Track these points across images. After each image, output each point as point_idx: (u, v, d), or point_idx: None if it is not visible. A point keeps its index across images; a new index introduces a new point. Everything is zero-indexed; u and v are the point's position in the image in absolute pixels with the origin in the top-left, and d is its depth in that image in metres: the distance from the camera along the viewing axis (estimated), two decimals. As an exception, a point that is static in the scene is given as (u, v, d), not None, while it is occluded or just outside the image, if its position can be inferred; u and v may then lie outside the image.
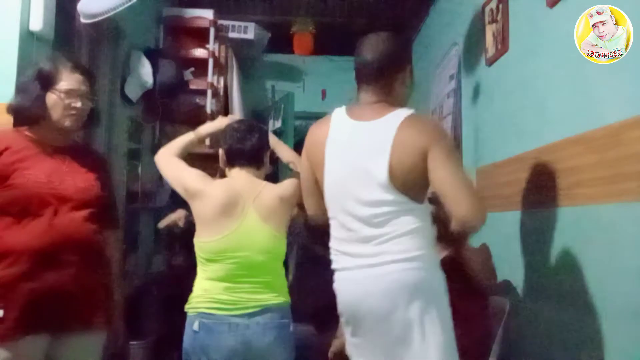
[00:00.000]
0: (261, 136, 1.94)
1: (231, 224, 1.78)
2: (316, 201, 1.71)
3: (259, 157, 1.92)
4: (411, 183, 1.48)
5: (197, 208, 1.84)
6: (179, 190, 1.94)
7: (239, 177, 1.89)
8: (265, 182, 1.90)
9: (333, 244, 1.62)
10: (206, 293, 1.78)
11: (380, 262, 1.48)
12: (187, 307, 1.81)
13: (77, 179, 1.69)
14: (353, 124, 1.58)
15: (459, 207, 1.42)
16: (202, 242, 1.81)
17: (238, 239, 1.78)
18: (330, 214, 1.62)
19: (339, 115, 1.62)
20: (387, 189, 1.47)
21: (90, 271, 1.66)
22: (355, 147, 1.54)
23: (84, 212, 1.66)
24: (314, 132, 1.68)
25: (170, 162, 2.04)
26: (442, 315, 1.48)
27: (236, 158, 1.91)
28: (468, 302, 1.98)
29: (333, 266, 1.61)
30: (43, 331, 1.57)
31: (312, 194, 1.72)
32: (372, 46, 1.58)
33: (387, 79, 1.58)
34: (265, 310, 1.76)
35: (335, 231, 1.61)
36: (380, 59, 1.56)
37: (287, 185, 1.90)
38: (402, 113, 1.53)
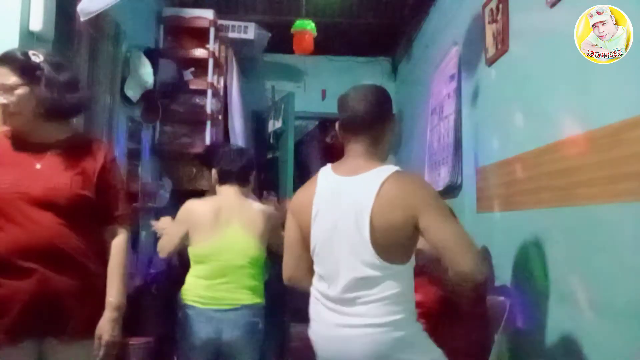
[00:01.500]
0: (249, 159, 2.31)
1: (216, 232, 2.14)
2: (296, 263, 1.68)
3: (245, 176, 2.27)
4: (394, 244, 1.47)
5: (189, 224, 2.18)
6: (180, 230, 2.22)
7: (228, 193, 2.24)
8: (250, 200, 2.27)
9: (313, 292, 1.61)
10: (191, 288, 2.14)
11: (352, 324, 1.48)
12: (179, 297, 2.17)
13: (49, 179, 1.57)
14: (338, 179, 1.57)
15: (463, 266, 1.40)
16: (192, 247, 2.17)
17: (221, 245, 2.13)
18: (315, 267, 1.60)
19: (325, 172, 1.62)
20: (368, 251, 1.45)
21: (66, 276, 1.55)
22: (338, 203, 1.52)
23: (55, 214, 1.55)
24: (301, 192, 1.68)
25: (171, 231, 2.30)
26: None
27: (226, 177, 2.26)
28: (466, 303, 1.98)
29: (310, 311, 1.62)
30: (25, 340, 1.52)
31: (294, 254, 1.68)
32: (359, 100, 1.58)
33: (376, 131, 1.58)
34: (238, 308, 2.10)
35: (317, 282, 1.60)
36: (369, 112, 1.57)
37: (269, 205, 2.27)
38: (388, 169, 1.51)
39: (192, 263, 2.19)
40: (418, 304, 1.88)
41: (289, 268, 1.70)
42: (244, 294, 2.12)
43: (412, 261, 1.54)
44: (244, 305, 2.11)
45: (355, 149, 1.58)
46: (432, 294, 1.98)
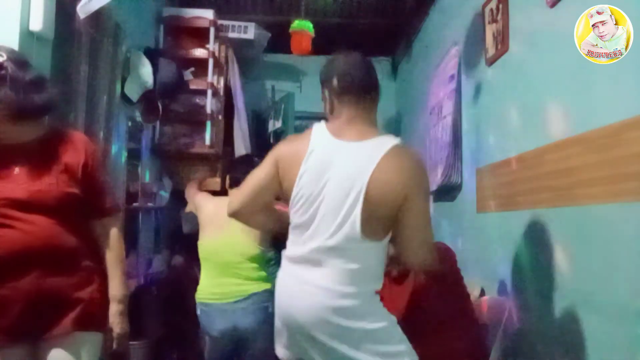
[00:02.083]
0: (253, 166, 2.43)
1: (218, 232, 2.35)
2: (250, 203, 1.67)
3: None
4: (380, 218, 1.48)
5: (200, 216, 2.45)
6: (193, 208, 2.60)
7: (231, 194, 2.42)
8: None
9: (288, 244, 1.61)
10: (203, 287, 2.38)
11: (316, 284, 1.49)
12: (196, 296, 2.40)
13: (32, 182, 1.53)
14: (336, 142, 1.55)
15: (416, 258, 1.54)
16: (200, 242, 2.41)
17: (219, 245, 2.34)
18: (292, 219, 1.59)
19: (320, 131, 1.59)
20: (351, 223, 1.46)
21: (63, 274, 1.55)
22: (334, 165, 1.51)
23: (46, 214, 1.53)
24: (292, 142, 1.64)
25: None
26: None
27: (234, 182, 2.40)
28: (450, 304, 1.95)
29: (282, 260, 1.62)
30: (20, 341, 1.51)
31: (254, 195, 1.65)
32: (357, 64, 1.61)
33: (372, 97, 1.60)
34: (246, 297, 2.28)
35: (293, 234, 1.59)
36: (370, 76, 1.61)
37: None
38: (389, 140, 1.52)
39: (201, 260, 2.43)
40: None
41: (241, 204, 1.67)
42: (250, 284, 2.30)
43: (387, 238, 1.55)
44: (252, 293, 2.28)
45: (354, 114, 1.57)
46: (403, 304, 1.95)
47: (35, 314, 1.51)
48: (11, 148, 1.56)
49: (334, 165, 1.51)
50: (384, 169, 1.45)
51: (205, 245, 2.40)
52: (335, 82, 1.59)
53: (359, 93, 1.58)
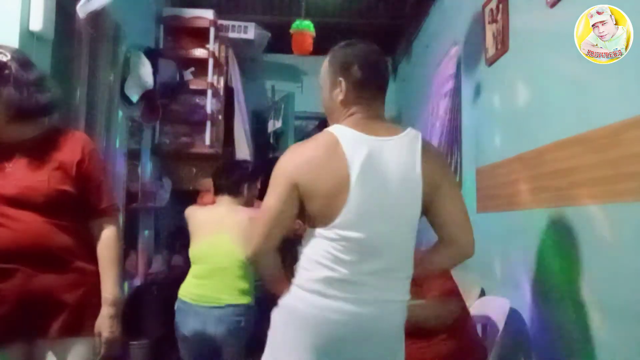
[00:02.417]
0: (242, 172, 2.52)
1: (208, 236, 2.36)
2: (273, 236, 1.42)
3: (237, 188, 2.46)
4: (424, 207, 1.42)
5: (190, 227, 2.44)
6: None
7: (221, 203, 2.45)
8: (241, 207, 2.43)
9: (324, 259, 1.37)
10: (185, 285, 2.37)
11: (389, 299, 1.39)
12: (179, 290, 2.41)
13: (23, 178, 1.51)
14: (374, 140, 1.38)
15: (462, 242, 1.47)
16: (190, 249, 2.42)
17: (209, 249, 2.35)
18: (341, 233, 1.35)
19: (346, 132, 1.39)
20: (414, 220, 1.40)
21: (52, 274, 1.52)
22: (383, 166, 1.37)
23: (36, 212, 1.50)
24: (310, 153, 1.40)
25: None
26: None
27: (219, 189, 2.47)
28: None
29: (303, 281, 1.39)
30: (11, 341, 1.49)
31: (281, 224, 1.41)
32: (375, 55, 1.50)
33: (385, 93, 1.51)
34: (222, 307, 2.27)
35: (336, 250, 1.36)
36: (387, 69, 1.53)
37: (257, 209, 2.31)
38: (414, 133, 1.43)
39: (191, 263, 2.42)
40: None
41: (264, 240, 1.42)
42: (229, 294, 2.29)
43: None
44: (228, 304, 2.27)
45: (374, 109, 1.45)
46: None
47: (24, 314, 1.49)
48: (8, 146, 1.55)
49: (383, 164, 1.37)
50: (425, 162, 1.40)
51: (195, 249, 2.40)
52: (356, 71, 1.44)
53: (379, 86, 1.47)
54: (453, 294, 1.96)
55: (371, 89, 1.45)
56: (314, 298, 1.36)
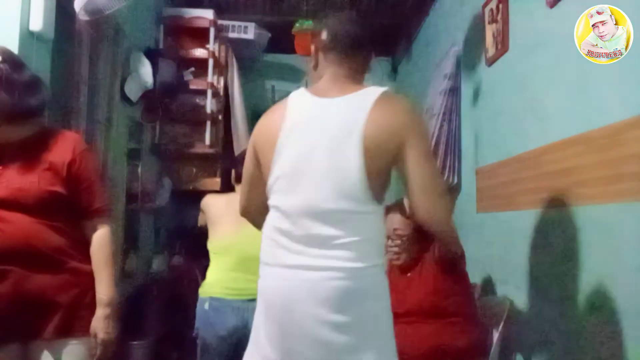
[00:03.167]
0: None
1: (232, 225, 2.20)
2: (251, 198, 1.55)
3: None
4: (380, 171, 1.32)
5: (207, 217, 2.32)
6: (202, 219, 2.41)
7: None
8: None
9: (270, 233, 1.40)
10: (215, 281, 2.23)
11: (322, 266, 1.31)
12: (200, 291, 2.25)
13: (13, 179, 1.50)
14: (317, 101, 1.40)
15: (421, 211, 1.35)
16: (212, 240, 2.28)
17: (240, 237, 2.17)
18: (272, 202, 1.41)
19: (298, 94, 1.44)
20: (355, 179, 1.29)
21: (45, 275, 1.51)
22: (318, 126, 1.36)
23: (27, 213, 1.49)
24: (266, 116, 1.48)
25: None
26: (378, 342, 1.33)
27: (239, 178, 2.25)
28: (457, 300, 1.96)
29: (263, 258, 1.43)
30: (9, 343, 1.49)
31: (253, 184, 1.51)
32: (350, 19, 1.47)
33: (364, 56, 1.46)
34: None
35: (276, 221, 1.39)
36: (364, 33, 1.46)
37: None
38: (376, 89, 1.37)
39: (212, 256, 2.29)
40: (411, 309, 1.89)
41: (243, 202, 1.58)
42: None
43: (383, 205, 1.39)
44: None
45: (337, 72, 1.43)
46: (422, 293, 1.98)
47: (18, 315, 1.48)
48: (1, 147, 1.54)
49: (319, 124, 1.36)
50: (376, 116, 1.31)
51: (220, 240, 2.26)
52: (323, 36, 1.46)
53: (345, 50, 1.43)
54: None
55: (338, 51, 1.44)
56: (262, 269, 1.42)
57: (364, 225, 1.33)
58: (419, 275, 2.02)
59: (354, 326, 1.31)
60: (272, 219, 1.41)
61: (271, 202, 1.41)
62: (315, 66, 1.49)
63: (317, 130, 1.35)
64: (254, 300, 1.92)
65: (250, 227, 2.00)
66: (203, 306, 2.21)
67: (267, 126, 1.45)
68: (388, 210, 2.01)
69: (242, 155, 2.43)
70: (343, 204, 1.31)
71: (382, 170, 1.34)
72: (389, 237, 2.02)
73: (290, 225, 1.35)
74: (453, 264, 1.97)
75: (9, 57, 1.55)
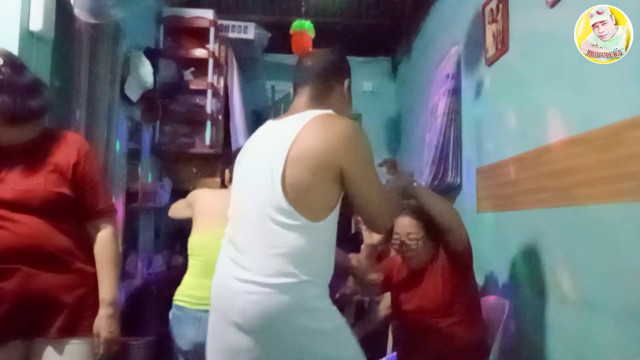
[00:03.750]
0: None
1: (213, 223, 1.98)
2: None
3: None
4: (305, 192, 1.34)
5: (194, 212, 2.12)
6: (185, 211, 2.22)
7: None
8: None
9: (225, 235, 1.52)
10: (182, 287, 2.04)
11: (243, 278, 1.36)
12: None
13: (20, 181, 1.52)
14: (269, 124, 1.57)
15: (373, 225, 1.51)
16: (190, 238, 2.09)
17: (213, 238, 1.87)
18: (228, 211, 1.55)
19: (266, 122, 1.61)
20: (277, 193, 1.34)
21: (51, 274, 1.53)
22: (261, 145, 1.50)
23: (35, 214, 1.51)
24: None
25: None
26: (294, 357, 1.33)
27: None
28: (464, 304, 1.98)
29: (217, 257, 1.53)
30: (13, 340, 1.51)
31: None
32: (314, 55, 1.64)
33: (321, 85, 1.55)
34: None
35: (227, 227, 1.52)
36: (320, 65, 1.58)
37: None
38: (319, 111, 1.44)
39: (189, 258, 2.12)
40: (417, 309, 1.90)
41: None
42: None
43: (330, 221, 1.40)
44: None
45: (296, 102, 1.58)
46: (431, 292, 1.99)
47: (23, 314, 1.50)
48: (4, 149, 1.56)
49: (264, 141, 1.50)
50: (308, 132, 1.36)
51: (195, 239, 2.06)
52: (293, 80, 1.65)
53: (300, 83, 1.60)
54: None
55: (296, 83, 1.62)
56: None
57: (289, 240, 1.34)
58: (429, 275, 2.03)
59: (263, 341, 1.34)
60: (227, 227, 1.53)
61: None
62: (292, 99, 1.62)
63: (260, 146, 1.50)
64: None
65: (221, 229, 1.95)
66: (170, 316, 2.03)
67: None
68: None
69: (236, 153, 2.31)
70: (266, 215, 1.36)
71: (311, 187, 1.35)
72: (402, 242, 2.03)
73: (231, 231, 1.48)
74: (461, 262, 1.99)
75: (10, 59, 1.56)
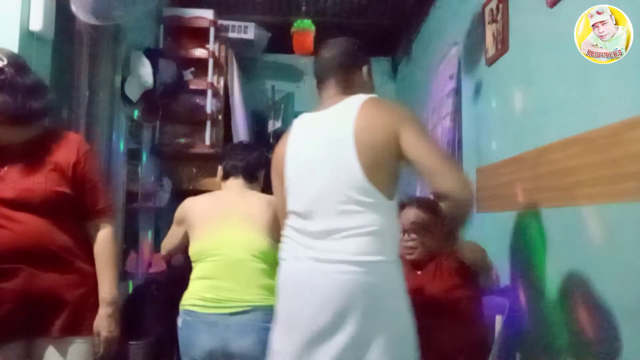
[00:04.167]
0: (258, 155, 2.14)
1: (215, 226, 1.94)
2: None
3: (251, 172, 2.09)
4: (379, 165, 1.42)
5: (187, 224, 2.03)
6: (178, 232, 2.13)
7: (230, 187, 2.07)
8: (255, 192, 2.07)
9: (286, 232, 1.57)
10: (191, 291, 1.91)
11: (331, 259, 1.40)
12: (180, 304, 1.94)
13: (20, 180, 1.53)
14: (311, 116, 1.62)
15: (444, 181, 1.38)
16: (191, 246, 1.98)
17: (219, 239, 1.91)
18: (289, 208, 1.57)
19: (299, 117, 1.66)
20: (355, 172, 1.41)
21: (53, 274, 1.54)
22: (314, 136, 1.55)
23: (35, 213, 1.52)
24: (278, 144, 1.69)
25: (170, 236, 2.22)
26: (390, 336, 1.38)
27: (231, 171, 2.08)
28: (466, 302, 1.99)
29: (280, 254, 1.58)
30: (11, 340, 1.51)
31: (281, 211, 1.68)
32: (329, 46, 1.68)
33: (344, 73, 1.62)
34: (246, 311, 1.80)
35: (291, 221, 1.55)
36: (337, 55, 1.64)
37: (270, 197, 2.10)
38: (362, 97, 1.52)
39: (193, 263, 1.99)
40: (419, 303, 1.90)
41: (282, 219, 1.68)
42: (254, 294, 1.82)
43: (396, 200, 1.49)
44: (256, 306, 1.80)
45: (326, 92, 1.63)
46: (434, 291, 2.00)
47: (24, 314, 1.51)
48: (3, 149, 1.56)
49: (316, 133, 1.55)
50: (364, 116, 1.45)
51: (201, 244, 1.94)
52: (315, 66, 1.69)
53: (325, 74, 1.64)
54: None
55: (321, 76, 1.65)
56: (279, 265, 1.56)
57: (371, 218, 1.41)
58: (433, 274, 2.03)
59: (360, 319, 1.36)
60: (289, 220, 1.57)
61: (289, 208, 1.57)
62: (318, 94, 1.67)
63: (315, 138, 1.54)
64: (237, 314, 1.77)
65: (234, 229, 1.92)
66: (179, 323, 1.89)
67: (278, 149, 1.66)
68: (403, 205, 2.06)
69: (227, 151, 2.20)
70: (346, 197, 1.42)
71: (383, 164, 1.43)
72: (404, 231, 2.04)
73: (302, 222, 1.50)
74: (469, 268, 2.01)
75: (14, 60, 1.57)
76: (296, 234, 1.51)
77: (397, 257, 1.48)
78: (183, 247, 2.10)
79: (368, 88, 1.64)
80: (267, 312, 1.75)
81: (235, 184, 2.06)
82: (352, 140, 1.42)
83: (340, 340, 1.37)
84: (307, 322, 1.41)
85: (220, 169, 2.14)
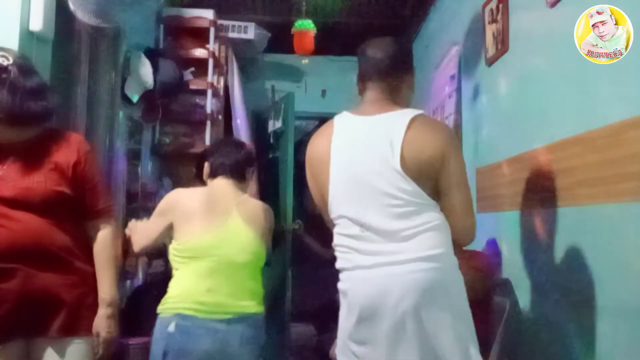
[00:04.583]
0: (247, 154, 2.08)
1: (215, 222, 1.84)
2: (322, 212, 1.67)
3: (241, 171, 2.01)
4: (426, 178, 1.47)
5: (175, 215, 1.87)
6: (159, 223, 1.92)
7: (220, 185, 1.98)
8: (249, 196, 2.03)
9: (341, 241, 1.53)
10: (185, 294, 1.78)
11: (401, 260, 1.43)
12: (160, 308, 1.81)
13: (20, 179, 1.53)
14: (357, 119, 1.58)
15: (456, 225, 1.51)
16: (182, 242, 1.83)
17: (221, 237, 1.83)
18: (337, 213, 1.54)
19: (341, 116, 1.62)
20: (404, 177, 1.44)
21: (52, 274, 1.54)
22: (362, 139, 1.53)
23: (35, 212, 1.52)
24: (314, 141, 1.64)
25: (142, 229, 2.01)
26: (459, 322, 1.45)
27: (219, 169, 1.99)
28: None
29: (340, 265, 1.54)
30: (13, 339, 1.51)
31: (322, 208, 1.64)
32: (382, 46, 1.62)
33: (395, 78, 1.61)
34: (244, 318, 1.78)
35: (344, 229, 1.52)
36: (392, 58, 1.61)
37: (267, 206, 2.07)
38: (412, 111, 1.55)
39: (180, 262, 1.84)
40: None
41: (325, 218, 1.65)
42: (248, 300, 1.81)
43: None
44: (253, 314, 1.80)
45: (373, 95, 1.60)
46: None
47: (23, 314, 1.51)
48: (4, 148, 1.57)
49: (364, 137, 1.53)
50: (415, 129, 1.48)
51: (191, 239, 1.80)
52: (361, 64, 1.64)
53: (376, 75, 1.60)
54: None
55: (371, 77, 1.61)
56: (342, 275, 1.53)
57: (427, 216, 1.46)
58: None
59: (436, 309, 1.42)
60: (340, 228, 1.55)
61: (337, 212, 1.54)
62: (360, 92, 1.65)
63: (364, 141, 1.52)
64: (238, 320, 1.71)
65: (232, 226, 1.84)
66: (166, 328, 1.72)
67: (318, 147, 1.61)
68: None
69: (215, 147, 2.15)
70: (402, 201, 1.45)
71: (427, 174, 1.47)
72: None
73: (357, 229, 1.49)
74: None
75: (20, 61, 1.58)
76: (354, 242, 1.50)
77: (452, 249, 1.52)
78: (160, 243, 1.94)
79: (410, 94, 1.69)
80: (260, 320, 1.84)
81: (224, 183, 1.97)
82: (399, 150, 1.45)
83: (418, 336, 1.41)
84: (390, 321, 1.43)
85: (207, 165, 2.05)
